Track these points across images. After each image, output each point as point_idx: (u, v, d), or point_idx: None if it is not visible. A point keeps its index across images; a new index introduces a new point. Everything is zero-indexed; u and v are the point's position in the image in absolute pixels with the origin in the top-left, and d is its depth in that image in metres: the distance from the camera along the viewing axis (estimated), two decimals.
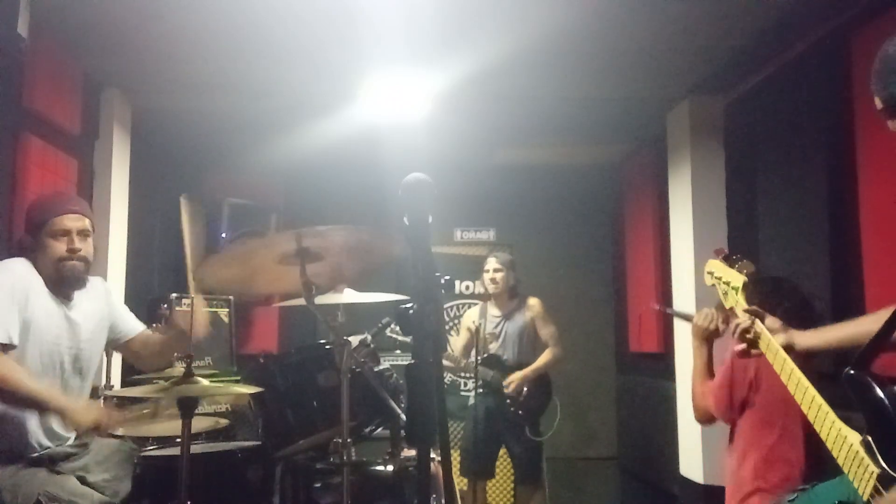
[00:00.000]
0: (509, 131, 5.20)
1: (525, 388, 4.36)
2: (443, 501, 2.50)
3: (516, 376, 4.35)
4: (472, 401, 4.49)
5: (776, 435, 2.43)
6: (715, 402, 2.57)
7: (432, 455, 2.19)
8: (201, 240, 2.67)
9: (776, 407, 2.41)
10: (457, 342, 4.64)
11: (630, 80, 4.18)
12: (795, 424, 2.37)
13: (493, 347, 4.47)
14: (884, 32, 2.91)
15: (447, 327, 5.83)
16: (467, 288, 5.99)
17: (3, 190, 3.22)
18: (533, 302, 4.55)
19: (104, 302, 2.74)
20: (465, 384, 5.75)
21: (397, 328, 3.60)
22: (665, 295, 4.84)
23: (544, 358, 4.46)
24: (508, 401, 4.35)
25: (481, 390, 4.38)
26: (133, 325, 2.83)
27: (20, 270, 2.45)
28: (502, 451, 4.62)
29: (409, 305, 1.47)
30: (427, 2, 3.25)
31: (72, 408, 2.31)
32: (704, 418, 2.67)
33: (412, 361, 1.46)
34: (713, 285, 2.31)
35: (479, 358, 4.37)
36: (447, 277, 1.51)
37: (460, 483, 4.49)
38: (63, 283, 2.52)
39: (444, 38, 3.63)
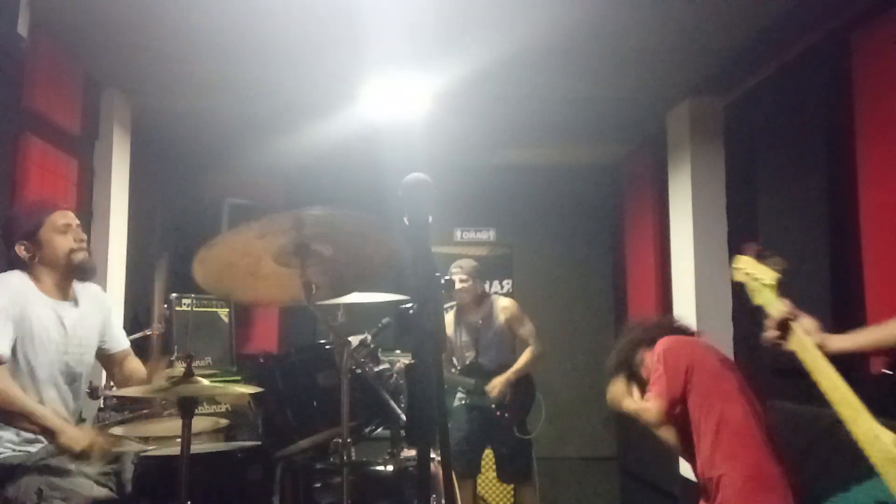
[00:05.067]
0: (509, 131, 5.19)
1: (509, 393, 4.32)
2: (443, 501, 2.50)
3: (499, 381, 4.29)
4: (456, 402, 4.45)
5: (718, 413, 2.62)
6: (662, 408, 2.74)
7: (432, 455, 2.19)
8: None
9: (712, 386, 2.64)
10: None
11: (630, 80, 4.18)
12: (736, 406, 2.61)
13: (470, 355, 4.40)
14: (884, 32, 2.92)
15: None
16: None
17: (3, 190, 3.22)
18: (505, 303, 4.46)
19: (100, 308, 2.77)
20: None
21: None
22: (665, 295, 4.84)
23: (525, 357, 4.39)
24: (493, 405, 4.31)
25: (465, 400, 4.35)
26: (119, 340, 2.86)
27: (15, 283, 2.46)
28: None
29: (409, 305, 1.47)
30: (427, 2, 3.25)
31: (65, 430, 2.31)
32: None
33: (412, 361, 1.46)
34: (742, 282, 2.30)
35: (457, 368, 4.38)
36: (447, 277, 1.52)
37: None
38: (77, 271, 2.57)
39: (444, 38, 3.63)
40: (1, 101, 3.20)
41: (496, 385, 4.30)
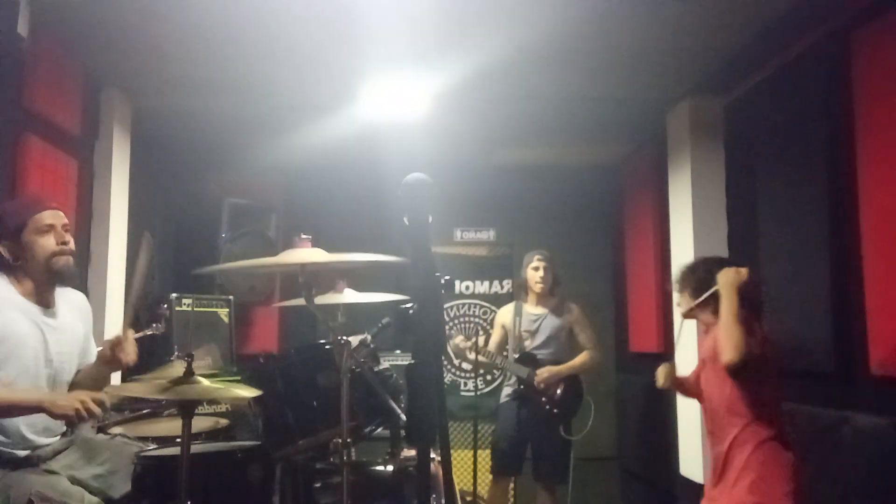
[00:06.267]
0: (509, 131, 5.19)
1: (560, 388, 4.37)
2: (443, 501, 2.50)
3: (550, 369, 4.36)
4: (503, 399, 4.49)
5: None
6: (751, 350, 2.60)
7: (432, 455, 2.20)
8: (147, 275, 2.67)
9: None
10: (491, 339, 4.64)
11: (630, 80, 4.18)
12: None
13: (529, 345, 4.47)
14: (884, 32, 2.92)
15: (447, 327, 5.82)
16: (467, 288, 5.99)
17: (3, 190, 3.22)
18: (573, 306, 4.59)
19: (85, 318, 2.71)
20: (465, 384, 5.75)
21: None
22: (665, 295, 4.83)
23: (582, 358, 4.48)
24: (544, 399, 4.35)
25: (521, 387, 4.38)
26: (92, 354, 2.76)
27: None
28: None
29: (409, 305, 1.47)
30: (427, 2, 3.25)
31: (53, 401, 2.25)
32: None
33: (412, 361, 1.46)
34: None
35: (514, 355, 4.44)
36: (447, 277, 1.52)
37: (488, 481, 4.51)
38: (57, 277, 2.49)
39: (444, 38, 3.63)
40: (1, 101, 3.20)
41: (546, 370, 4.34)
